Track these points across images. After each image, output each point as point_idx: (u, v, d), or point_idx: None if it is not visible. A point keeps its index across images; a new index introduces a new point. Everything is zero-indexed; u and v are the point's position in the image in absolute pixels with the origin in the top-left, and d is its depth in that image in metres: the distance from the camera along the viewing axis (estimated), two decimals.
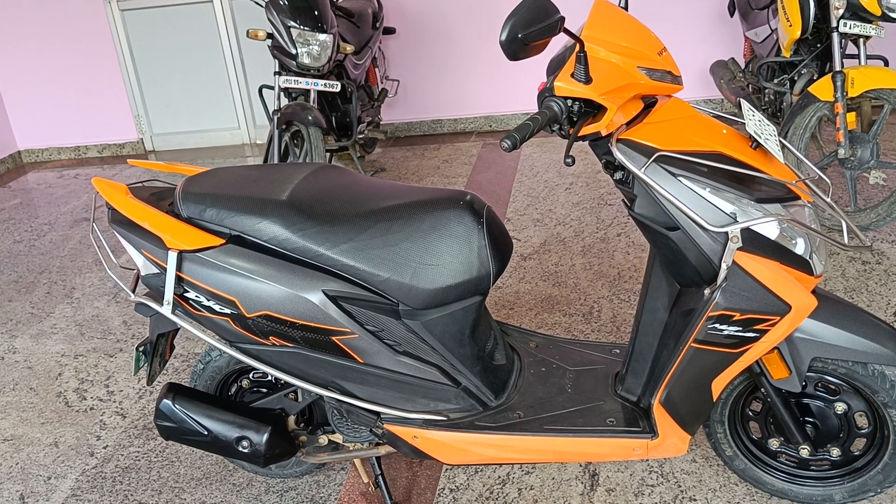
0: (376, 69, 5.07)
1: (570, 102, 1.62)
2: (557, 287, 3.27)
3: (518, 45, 1.44)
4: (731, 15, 4.68)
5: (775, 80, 3.91)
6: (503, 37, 1.43)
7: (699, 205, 1.63)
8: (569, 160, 1.54)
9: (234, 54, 5.73)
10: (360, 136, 4.63)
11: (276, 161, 3.95)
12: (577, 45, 1.56)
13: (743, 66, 4.74)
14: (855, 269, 3.15)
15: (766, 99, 4.11)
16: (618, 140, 1.65)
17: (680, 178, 1.64)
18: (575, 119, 1.64)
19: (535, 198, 4.28)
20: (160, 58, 5.84)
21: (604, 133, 1.67)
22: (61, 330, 3.42)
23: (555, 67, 1.67)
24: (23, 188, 5.58)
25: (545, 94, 1.62)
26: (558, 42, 4.96)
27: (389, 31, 5.30)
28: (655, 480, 2.18)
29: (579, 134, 1.63)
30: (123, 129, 6.07)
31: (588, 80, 1.58)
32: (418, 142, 5.64)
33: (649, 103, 1.78)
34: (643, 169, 1.62)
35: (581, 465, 2.26)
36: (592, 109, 1.64)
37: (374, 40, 4.87)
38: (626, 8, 1.89)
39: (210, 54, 5.76)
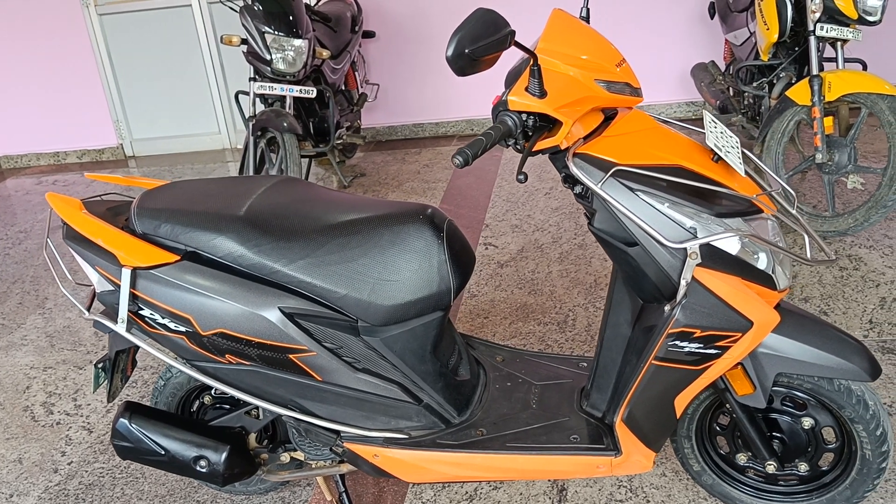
0: (355, 73, 5.03)
1: (524, 116, 1.58)
2: (533, 295, 3.24)
3: (466, 60, 1.40)
4: (712, 17, 4.66)
5: (754, 84, 3.88)
6: (449, 52, 1.38)
7: (657, 220, 1.60)
8: (521, 177, 1.50)
9: (214, 58, 5.68)
10: (339, 142, 4.59)
11: (251, 168, 3.91)
12: (531, 58, 1.52)
13: (723, 69, 4.72)
14: (832, 276, 3.13)
15: (746, 102, 4.09)
16: (574, 154, 1.62)
17: (638, 193, 1.60)
18: (530, 133, 1.60)
19: (515, 203, 4.25)
20: (139, 62, 5.79)
21: (563, 146, 1.63)
22: (31, 342, 3.37)
23: (511, 80, 1.63)
24: (0, 195, 5.52)
25: (499, 107, 1.58)
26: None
27: (369, 34, 5.26)
28: (624, 495, 2.15)
29: (535, 148, 1.60)
30: (103, 135, 6.02)
31: (542, 94, 1.54)
32: (399, 146, 5.60)
33: (610, 115, 1.74)
34: (600, 184, 1.59)
35: (549, 481, 2.23)
36: (548, 123, 1.60)
37: (353, 44, 4.83)
38: (586, 18, 1.86)
39: (189, 59, 5.72)
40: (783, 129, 3.39)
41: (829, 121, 3.30)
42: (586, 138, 1.67)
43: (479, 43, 1.39)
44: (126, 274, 1.79)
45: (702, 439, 1.99)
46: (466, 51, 1.38)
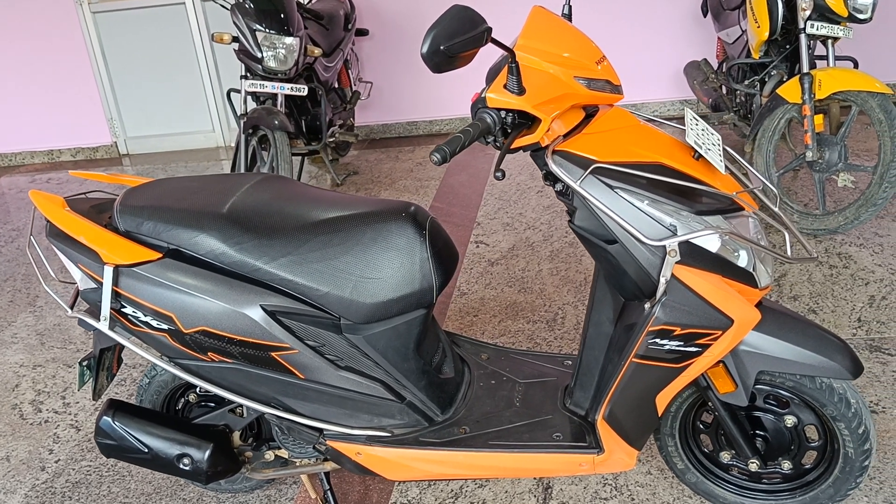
0: (349, 71, 5.02)
1: (503, 114, 1.58)
2: (523, 293, 3.24)
3: (441, 57, 1.39)
4: (705, 15, 4.65)
5: (745, 82, 3.88)
6: (424, 49, 1.38)
7: (637, 218, 1.60)
8: (498, 174, 1.50)
9: (208, 56, 5.68)
10: (332, 140, 4.59)
11: (242, 166, 3.91)
12: (510, 55, 1.52)
13: (716, 67, 4.71)
14: (822, 274, 3.12)
15: (738, 100, 4.09)
16: (554, 151, 1.62)
17: (617, 191, 1.60)
18: (509, 130, 1.60)
19: (507, 201, 4.25)
20: (133, 60, 5.79)
21: (543, 144, 1.63)
22: (22, 339, 3.37)
23: (491, 77, 1.63)
24: None
25: (478, 104, 1.58)
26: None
27: (362, 32, 5.25)
28: (609, 493, 2.15)
29: (514, 146, 1.59)
30: (97, 133, 6.01)
31: (521, 91, 1.54)
32: (393, 144, 5.60)
33: (591, 112, 1.74)
34: (579, 181, 1.59)
35: (535, 479, 2.23)
36: (527, 121, 1.60)
37: (346, 42, 4.82)
38: (568, 16, 1.85)
39: (183, 56, 5.71)
40: (774, 126, 3.39)
41: (819, 119, 3.30)
42: (567, 136, 1.66)
43: (454, 40, 1.39)
44: (108, 271, 1.78)
45: (685, 437, 1.99)
46: (442, 47, 1.38)
